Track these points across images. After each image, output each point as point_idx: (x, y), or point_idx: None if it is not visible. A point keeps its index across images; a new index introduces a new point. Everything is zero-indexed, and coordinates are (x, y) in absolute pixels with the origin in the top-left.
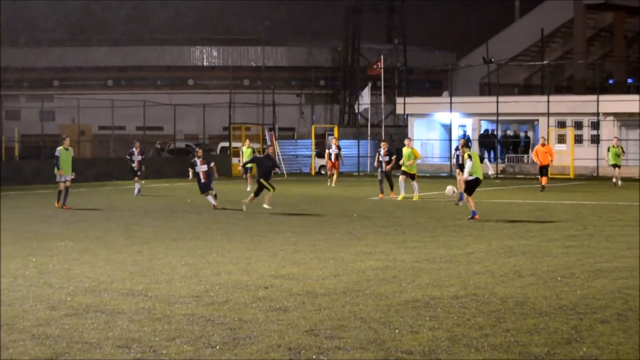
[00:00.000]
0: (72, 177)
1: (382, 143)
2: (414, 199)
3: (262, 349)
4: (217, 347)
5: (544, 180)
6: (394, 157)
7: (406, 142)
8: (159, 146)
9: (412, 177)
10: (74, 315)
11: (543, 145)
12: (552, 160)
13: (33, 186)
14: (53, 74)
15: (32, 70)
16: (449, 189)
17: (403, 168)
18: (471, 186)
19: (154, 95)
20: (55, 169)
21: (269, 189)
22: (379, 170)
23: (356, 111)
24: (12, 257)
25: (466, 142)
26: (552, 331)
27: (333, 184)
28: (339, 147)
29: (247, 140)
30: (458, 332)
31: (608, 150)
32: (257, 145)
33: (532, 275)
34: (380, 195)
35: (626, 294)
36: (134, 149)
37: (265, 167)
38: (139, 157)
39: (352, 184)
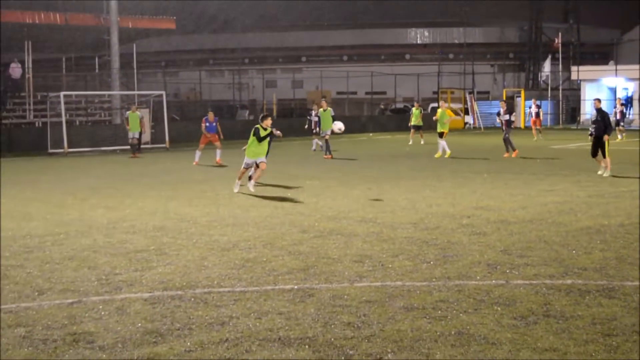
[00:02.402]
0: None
1: (501, 102)
2: (446, 156)
3: (466, 265)
4: (431, 262)
5: None
6: (514, 114)
7: (441, 104)
8: (383, 106)
9: (441, 135)
10: (320, 237)
11: None
12: None
13: (287, 138)
14: (300, 52)
15: (285, 49)
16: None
17: (439, 129)
18: None
19: (379, 67)
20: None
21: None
22: (503, 130)
23: (539, 79)
24: (273, 193)
25: None
26: None
27: (535, 138)
28: (538, 106)
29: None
30: (624, 253)
31: None
32: (459, 105)
33: None
34: (506, 154)
35: None
36: (312, 110)
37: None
38: (316, 118)
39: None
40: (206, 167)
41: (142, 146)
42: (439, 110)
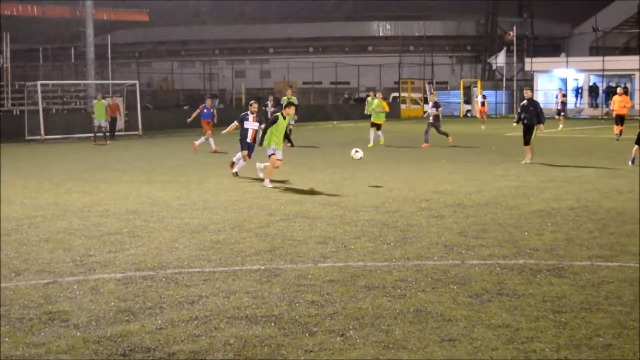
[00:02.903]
0: (295, 119)
1: (431, 95)
2: (381, 143)
3: (424, 246)
4: (391, 243)
5: (616, 128)
6: (440, 109)
7: (378, 94)
8: (347, 96)
9: (378, 127)
10: (286, 220)
11: (620, 95)
12: (626, 108)
13: None
14: (268, 44)
15: (254, 41)
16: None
17: (372, 119)
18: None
19: (343, 58)
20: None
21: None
22: (428, 121)
23: (493, 68)
24: (241, 178)
25: None
26: None
27: (484, 126)
28: (484, 97)
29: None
30: (573, 234)
31: None
32: (419, 95)
33: (630, 192)
34: (425, 144)
35: None
36: (268, 102)
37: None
38: (272, 109)
39: (491, 123)
40: (178, 153)
41: (115, 133)
42: (375, 101)
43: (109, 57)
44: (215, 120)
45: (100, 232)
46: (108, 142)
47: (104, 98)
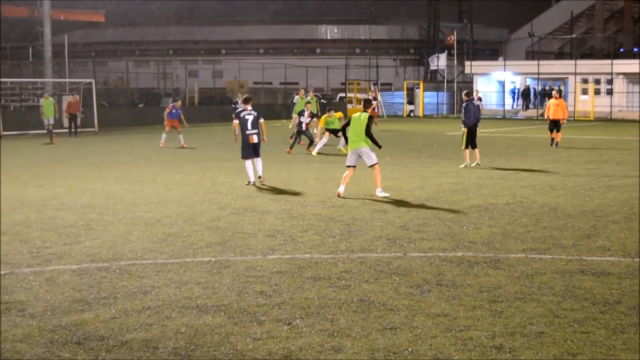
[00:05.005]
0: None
1: (307, 105)
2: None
3: (368, 239)
4: (337, 237)
5: (552, 134)
6: (314, 119)
7: (303, 93)
8: (295, 96)
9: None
10: (236, 213)
11: (556, 98)
12: (564, 118)
13: (208, 124)
14: (220, 45)
15: (207, 42)
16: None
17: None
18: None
19: (292, 60)
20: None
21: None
22: (297, 128)
23: (431, 69)
24: (193, 173)
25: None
26: (576, 229)
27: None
28: (374, 98)
29: (302, 90)
30: (509, 228)
31: None
32: (364, 95)
33: (563, 188)
34: (288, 151)
35: (631, 203)
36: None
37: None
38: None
39: (433, 123)
40: (132, 149)
41: (78, 130)
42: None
43: (66, 56)
44: (185, 124)
45: (56, 225)
46: (54, 139)
47: (51, 96)
